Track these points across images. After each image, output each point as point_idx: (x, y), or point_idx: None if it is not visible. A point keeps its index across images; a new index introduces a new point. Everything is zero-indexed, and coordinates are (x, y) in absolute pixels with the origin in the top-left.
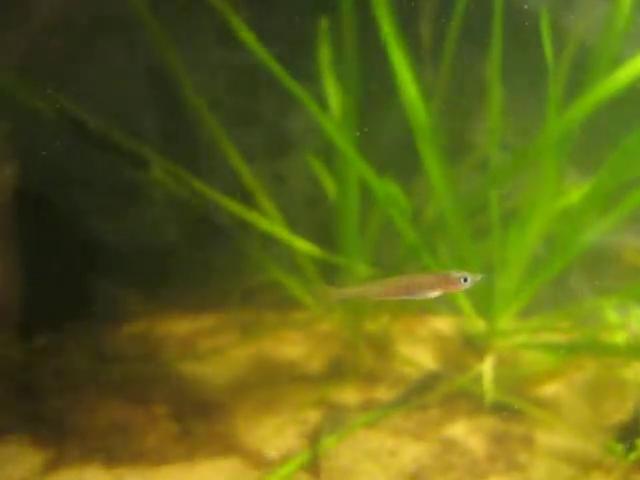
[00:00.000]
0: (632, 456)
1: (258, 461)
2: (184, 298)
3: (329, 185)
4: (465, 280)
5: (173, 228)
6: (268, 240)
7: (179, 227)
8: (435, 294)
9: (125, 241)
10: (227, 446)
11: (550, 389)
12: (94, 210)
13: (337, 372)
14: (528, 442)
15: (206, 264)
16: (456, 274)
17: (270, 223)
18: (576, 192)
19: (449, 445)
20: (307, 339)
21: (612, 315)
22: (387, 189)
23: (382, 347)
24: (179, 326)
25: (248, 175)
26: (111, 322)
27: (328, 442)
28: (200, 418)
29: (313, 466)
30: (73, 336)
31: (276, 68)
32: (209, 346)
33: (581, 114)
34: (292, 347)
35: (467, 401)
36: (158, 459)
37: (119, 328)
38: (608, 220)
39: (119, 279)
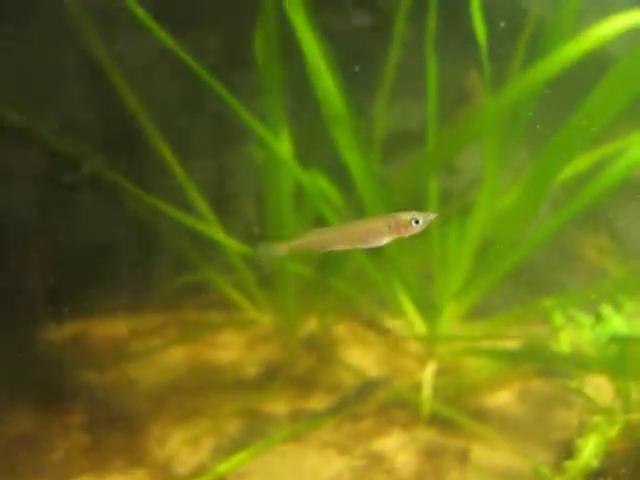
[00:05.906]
0: None
1: (165, 477)
2: (124, 299)
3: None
4: (417, 222)
5: (111, 226)
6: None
7: (117, 225)
8: (385, 240)
9: (60, 239)
10: (136, 460)
11: (496, 399)
12: (25, 205)
13: (270, 378)
14: (463, 458)
15: (147, 263)
16: (405, 215)
17: (203, 223)
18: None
19: (376, 460)
20: (244, 341)
21: (560, 321)
22: (316, 183)
23: (322, 351)
24: (115, 328)
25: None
26: (44, 324)
27: (241, 457)
28: (114, 428)
29: None
30: None
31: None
32: (142, 349)
33: (522, 92)
34: (227, 350)
35: (405, 412)
36: (61, 475)
37: (52, 330)
38: (559, 216)
39: (53, 278)
